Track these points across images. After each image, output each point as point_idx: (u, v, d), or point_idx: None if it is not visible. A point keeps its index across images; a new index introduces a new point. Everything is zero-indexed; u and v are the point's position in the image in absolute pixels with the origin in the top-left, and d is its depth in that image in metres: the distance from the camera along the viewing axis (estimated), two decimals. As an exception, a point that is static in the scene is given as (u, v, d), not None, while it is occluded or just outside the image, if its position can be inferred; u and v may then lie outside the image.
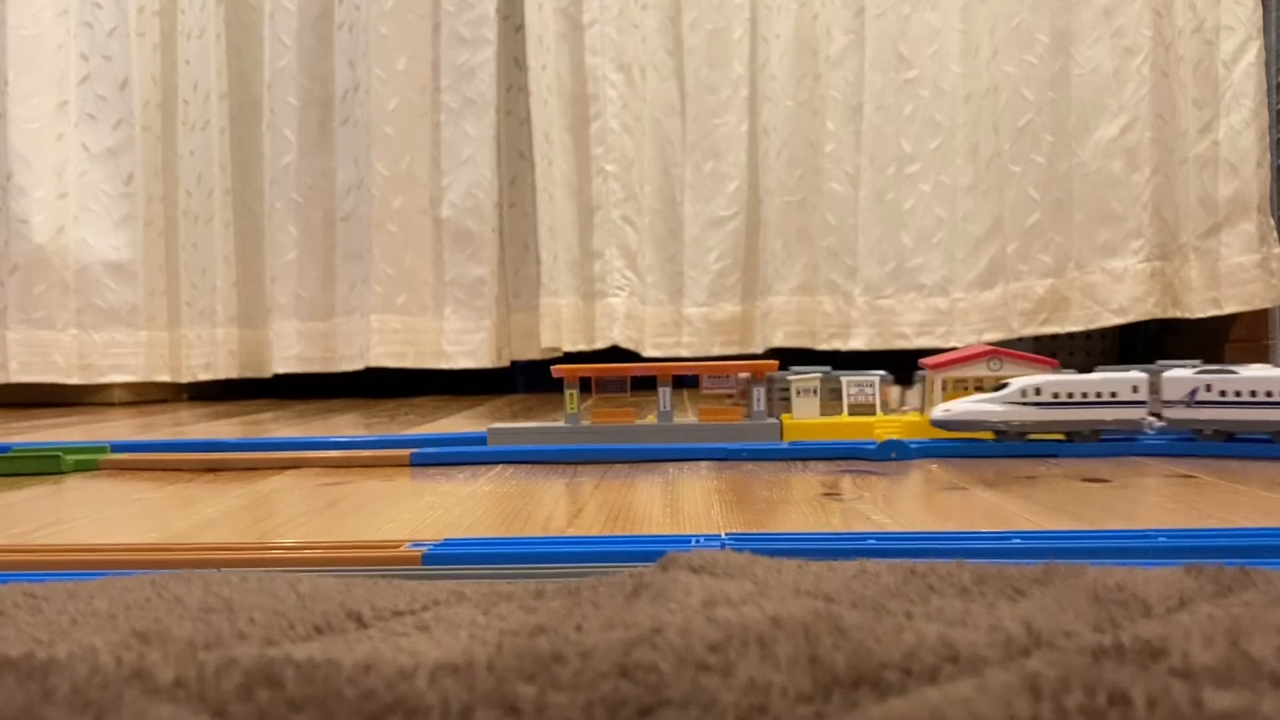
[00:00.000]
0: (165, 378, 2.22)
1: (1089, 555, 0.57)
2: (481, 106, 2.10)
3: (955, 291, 2.03)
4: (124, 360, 2.18)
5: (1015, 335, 1.97)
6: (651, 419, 1.18)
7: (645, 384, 1.22)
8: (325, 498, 0.91)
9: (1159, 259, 1.94)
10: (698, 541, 0.64)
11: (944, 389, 1.13)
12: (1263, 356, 2.04)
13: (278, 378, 2.22)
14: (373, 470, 1.10)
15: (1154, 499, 0.79)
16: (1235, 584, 0.42)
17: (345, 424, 1.61)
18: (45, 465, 1.13)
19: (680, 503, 0.83)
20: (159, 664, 0.34)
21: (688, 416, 1.31)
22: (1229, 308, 1.94)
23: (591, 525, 0.74)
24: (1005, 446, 1.07)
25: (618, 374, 1.20)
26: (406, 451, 1.14)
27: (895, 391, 1.29)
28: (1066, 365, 1.16)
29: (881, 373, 1.21)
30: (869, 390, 1.18)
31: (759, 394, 1.16)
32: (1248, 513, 0.71)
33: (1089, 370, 1.10)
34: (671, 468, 1.03)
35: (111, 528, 0.79)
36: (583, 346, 2.09)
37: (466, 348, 2.11)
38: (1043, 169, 1.97)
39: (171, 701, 0.32)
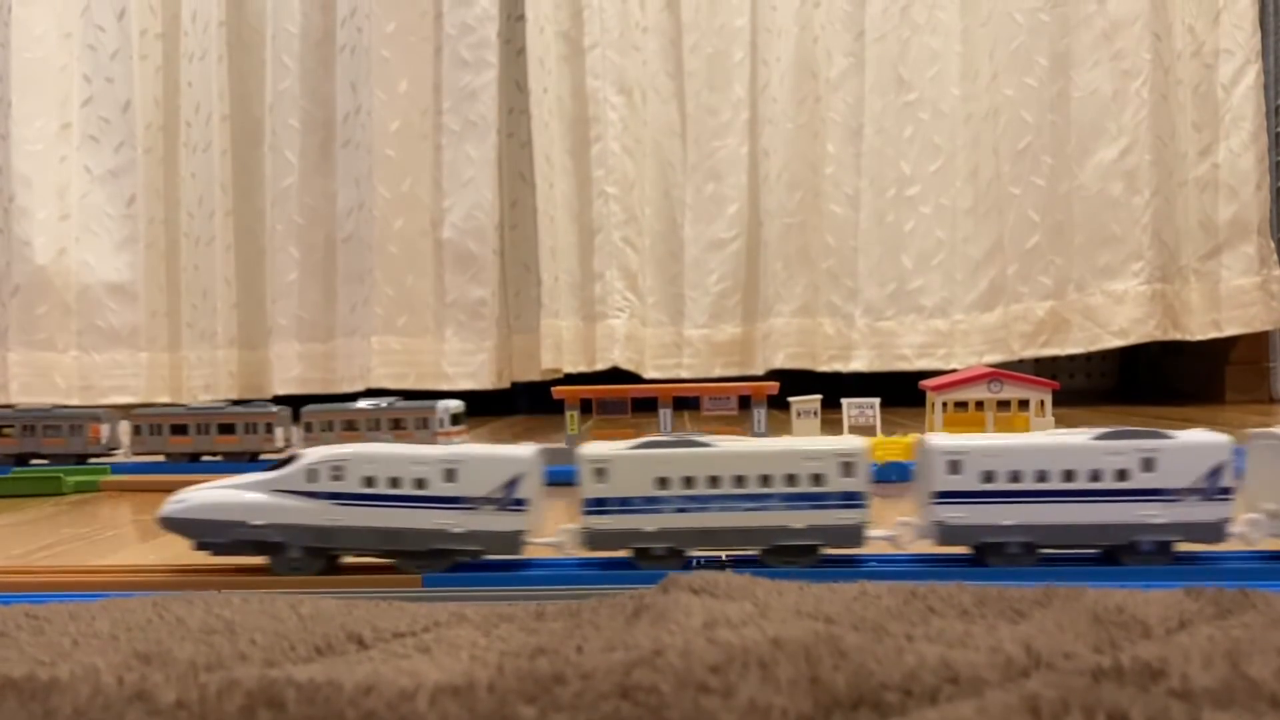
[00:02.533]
0: (166, 399, 2.22)
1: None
2: (483, 129, 2.10)
3: (955, 313, 2.03)
4: (125, 382, 2.18)
5: (1016, 357, 1.97)
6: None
7: (646, 405, 1.22)
8: (326, 519, 0.91)
9: (1159, 281, 1.94)
10: (699, 563, 0.64)
11: (944, 410, 1.13)
12: (1263, 379, 2.05)
13: (278, 399, 2.22)
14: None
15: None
16: (1235, 606, 0.42)
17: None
18: (46, 487, 1.13)
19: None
20: (161, 685, 0.34)
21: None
22: (1229, 330, 1.95)
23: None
24: None
25: (618, 395, 1.20)
26: (407, 473, 1.13)
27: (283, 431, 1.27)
28: (1068, 387, 1.16)
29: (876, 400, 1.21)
30: (869, 412, 1.18)
31: (760, 415, 1.16)
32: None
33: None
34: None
35: (112, 549, 0.79)
36: (583, 368, 2.09)
37: (467, 369, 2.11)
38: (1043, 191, 1.97)
39: (173, 722, 0.32)
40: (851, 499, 0.61)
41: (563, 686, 0.33)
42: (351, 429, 1.23)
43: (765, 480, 0.61)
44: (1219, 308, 1.95)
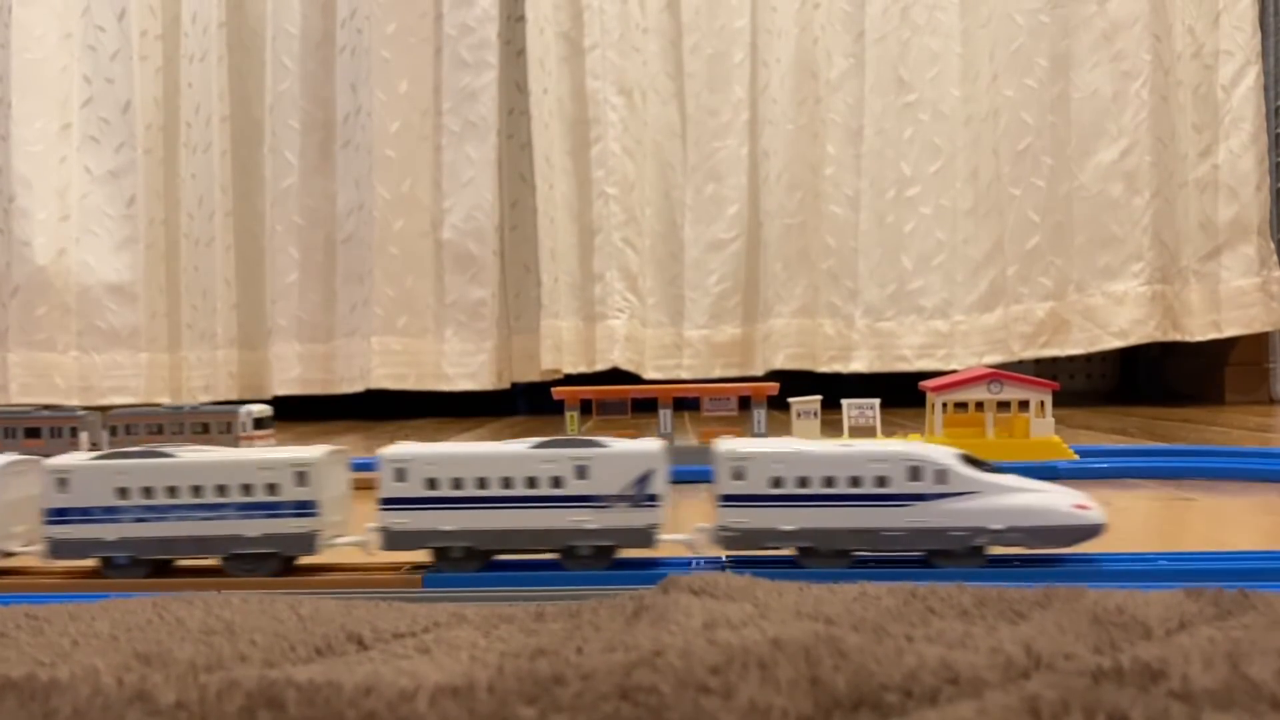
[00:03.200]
0: (165, 400, 2.22)
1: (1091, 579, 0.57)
2: (483, 130, 2.10)
3: (955, 314, 2.03)
4: (124, 382, 2.18)
5: (1016, 358, 1.97)
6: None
7: (646, 406, 1.22)
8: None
9: (1159, 282, 1.94)
10: (699, 564, 0.64)
11: (944, 411, 1.13)
12: (1263, 380, 2.05)
13: (278, 400, 2.21)
14: (373, 493, 1.10)
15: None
16: (1235, 607, 0.42)
17: (346, 446, 1.60)
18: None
19: (681, 525, 0.82)
20: (160, 686, 0.34)
21: (688, 439, 1.31)
22: (1229, 331, 1.95)
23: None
24: None
25: (618, 396, 1.20)
26: (407, 474, 1.13)
27: None
28: (1068, 388, 1.16)
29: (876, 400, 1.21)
30: (869, 413, 1.18)
31: (760, 416, 1.16)
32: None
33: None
34: (672, 490, 1.03)
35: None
36: (583, 369, 2.09)
37: (467, 370, 2.11)
38: (1043, 192, 1.97)
39: (173, 723, 0.32)
40: (305, 508, 0.63)
41: (563, 687, 0.33)
42: (156, 432, 1.22)
43: (222, 490, 0.62)
44: (1219, 309, 1.95)
